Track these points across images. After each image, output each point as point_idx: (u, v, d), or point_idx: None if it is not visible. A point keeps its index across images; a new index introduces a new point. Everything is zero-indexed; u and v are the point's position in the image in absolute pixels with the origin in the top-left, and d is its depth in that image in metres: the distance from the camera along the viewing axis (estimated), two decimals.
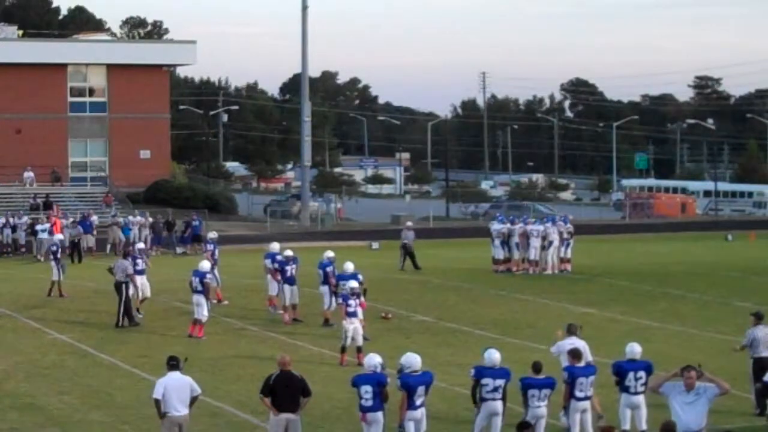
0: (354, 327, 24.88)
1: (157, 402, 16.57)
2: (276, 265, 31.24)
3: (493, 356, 17.27)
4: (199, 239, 50.68)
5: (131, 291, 31.09)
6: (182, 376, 16.73)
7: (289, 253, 31.62)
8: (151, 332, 29.53)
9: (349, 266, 28.49)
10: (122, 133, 70.22)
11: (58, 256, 36.43)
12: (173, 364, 16.79)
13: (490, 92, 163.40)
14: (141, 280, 31.66)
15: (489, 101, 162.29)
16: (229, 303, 34.22)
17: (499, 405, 17.06)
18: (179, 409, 16.50)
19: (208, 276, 29.18)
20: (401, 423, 16.76)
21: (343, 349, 24.77)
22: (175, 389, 16.54)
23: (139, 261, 31.81)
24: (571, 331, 19.32)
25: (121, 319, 30.33)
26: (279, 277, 31.09)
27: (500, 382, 17.08)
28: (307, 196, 70.80)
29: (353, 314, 24.96)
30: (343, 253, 39.68)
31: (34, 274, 41.72)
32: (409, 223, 47.46)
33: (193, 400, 16.73)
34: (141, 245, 34.09)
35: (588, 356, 18.62)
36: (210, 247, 35.93)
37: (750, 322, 21.27)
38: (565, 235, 42.66)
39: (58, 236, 39.79)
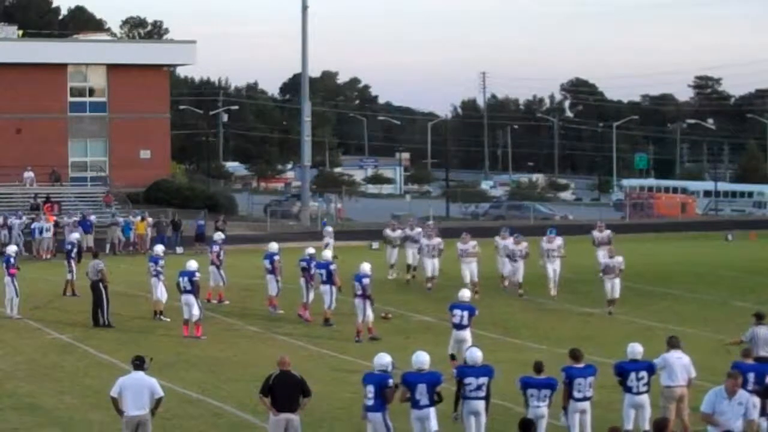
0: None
1: (113, 400, 16.52)
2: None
3: (475, 355, 17.30)
4: (203, 239, 50.74)
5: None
6: (144, 376, 16.57)
7: (311, 251, 31.83)
8: (150, 333, 29.53)
9: (366, 267, 27.99)
10: (122, 133, 70.18)
11: (73, 255, 36.46)
12: (137, 363, 16.67)
13: (490, 92, 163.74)
14: (160, 285, 31.08)
15: (489, 101, 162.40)
16: (229, 303, 34.23)
17: (481, 404, 17.07)
18: (133, 409, 16.36)
19: (197, 275, 29.02)
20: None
21: (453, 357, 24.02)
22: (131, 389, 16.43)
23: (160, 263, 31.26)
24: (672, 344, 18.66)
25: (103, 317, 30.21)
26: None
27: (483, 380, 17.11)
28: (307, 196, 70.78)
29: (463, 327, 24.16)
30: (343, 253, 39.72)
31: (34, 274, 41.64)
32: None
33: (157, 402, 16.52)
34: (160, 248, 33.14)
35: (691, 372, 18.41)
36: (216, 248, 35.82)
37: (751, 322, 21.29)
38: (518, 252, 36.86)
39: (75, 235, 39.65)
